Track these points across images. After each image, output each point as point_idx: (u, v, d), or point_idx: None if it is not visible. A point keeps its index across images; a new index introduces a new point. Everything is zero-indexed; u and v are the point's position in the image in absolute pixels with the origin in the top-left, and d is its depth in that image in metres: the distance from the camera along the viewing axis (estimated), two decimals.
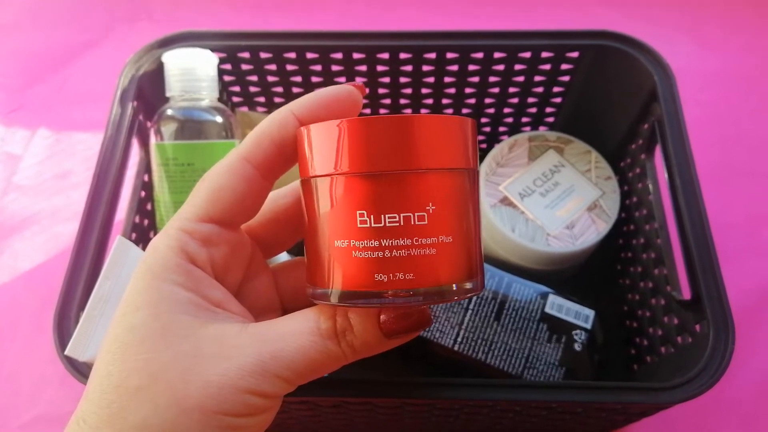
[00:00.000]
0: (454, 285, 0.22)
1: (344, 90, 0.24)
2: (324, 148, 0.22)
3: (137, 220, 0.42)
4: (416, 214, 0.21)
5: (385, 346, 0.23)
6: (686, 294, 0.37)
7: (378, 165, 0.21)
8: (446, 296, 0.22)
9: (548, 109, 0.52)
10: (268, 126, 0.24)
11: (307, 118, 0.24)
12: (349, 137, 0.22)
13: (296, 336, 0.22)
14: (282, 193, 0.27)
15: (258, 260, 0.27)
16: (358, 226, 0.21)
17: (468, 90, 0.49)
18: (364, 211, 0.21)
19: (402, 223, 0.21)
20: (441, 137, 0.22)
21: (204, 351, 0.21)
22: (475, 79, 0.48)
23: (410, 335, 0.23)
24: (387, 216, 0.21)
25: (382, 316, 0.23)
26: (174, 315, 0.22)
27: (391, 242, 0.21)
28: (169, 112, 0.41)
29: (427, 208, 0.22)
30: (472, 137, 0.24)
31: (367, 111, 0.52)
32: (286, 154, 0.24)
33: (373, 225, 0.21)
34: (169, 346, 0.21)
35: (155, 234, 0.44)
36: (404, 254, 0.21)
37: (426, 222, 0.21)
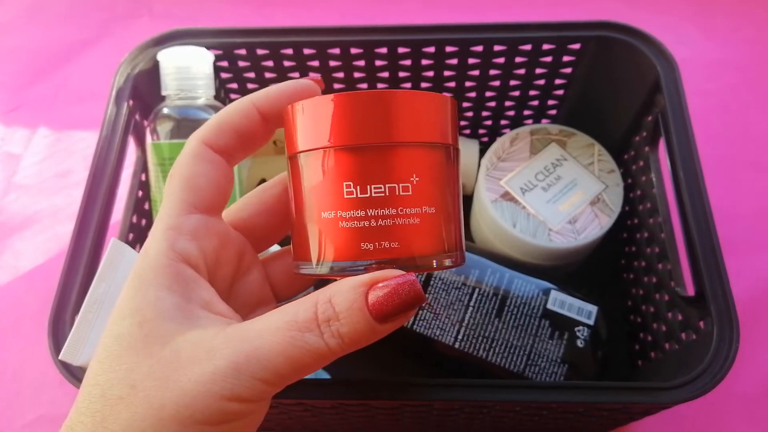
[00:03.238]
0: (435, 255, 0.23)
1: (305, 84, 0.25)
2: (311, 123, 0.23)
3: (134, 220, 0.42)
4: (401, 184, 0.22)
5: (375, 334, 0.21)
6: (690, 290, 0.36)
7: (364, 138, 0.22)
8: (427, 266, 0.23)
9: (550, 102, 0.52)
10: (230, 115, 0.24)
11: (267, 110, 0.24)
12: (336, 111, 0.22)
13: (272, 332, 0.21)
14: (270, 184, 0.28)
15: (249, 256, 0.27)
16: (345, 196, 0.22)
17: (468, 83, 0.49)
18: (350, 182, 0.22)
19: (387, 194, 0.22)
20: (425, 112, 0.23)
21: (181, 357, 0.21)
22: (476, 72, 0.47)
23: (401, 317, 0.21)
24: (373, 186, 0.22)
25: (370, 296, 0.21)
26: (157, 322, 0.21)
27: (377, 212, 0.22)
28: (165, 111, 0.41)
29: (412, 179, 0.22)
30: (453, 115, 0.24)
31: None
32: (247, 143, 0.25)
33: (359, 195, 0.22)
34: (150, 354, 0.21)
35: None
36: (389, 223, 0.22)
37: (410, 193, 0.22)
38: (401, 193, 0.22)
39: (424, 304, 0.40)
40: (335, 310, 0.21)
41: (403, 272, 0.21)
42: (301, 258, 0.24)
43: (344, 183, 0.22)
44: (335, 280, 0.22)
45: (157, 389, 0.20)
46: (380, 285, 0.21)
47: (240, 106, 0.24)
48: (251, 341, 0.21)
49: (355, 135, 0.22)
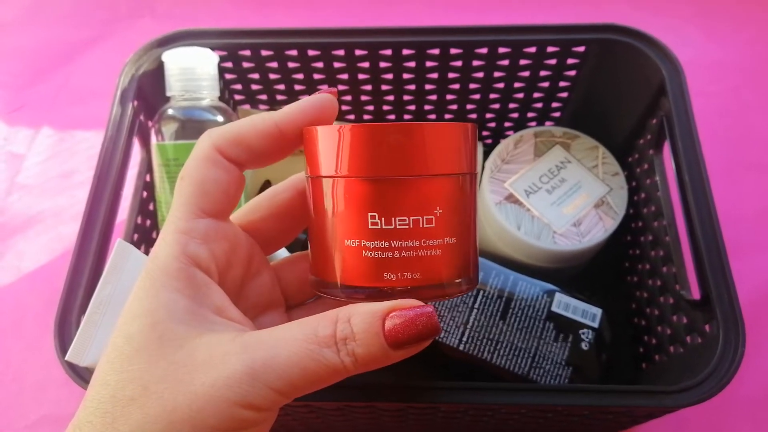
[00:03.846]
0: (453, 281, 0.24)
1: (326, 99, 0.25)
2: (337, 150, 0.23)
3: (139, 220, 0.42)
4: (425, 217, 0.23)
5: (389, 359, 0.21)
6: (695, 293, 0.36)
7: (390, 170, 0.22)
8: (445, 292, 0.24)
9: (554, 104, 0.52)
10: (248, 132, 0.24)
11: (289, 129, 0.24)
12: (362, 142, 0.23)
13: (291, 343, 0.21)
14: (281, 188, 0.27)
15: (259, 258, 0.27)
16: (369, 227, 0.23)
17: (472, 85, 0.49)
18: (375, 214, 0.22)
19: (411, 226, 0.23)
20: (448, 144, 0.23)
21: (196, 361, 0.21)
22: (480, 74, 0.47)
23: (416, 346, 0.22)
24: (397, 219, 0.22)
25: (387, 322, 0.21)
26: (171, 324, 0.21)
27: (401, 243, 0.22)
28: (170, 111, 0.41)
29: (435, 211, 0.23)
30: (473, 142, 0.25)
31: (370, 108, 0.52)
32: (260, 160, 0.25)
33: (383, 227, 0.22)
34: (163, 356, 0.21)
35: (157, 235, 0.44)
36: (412, 255, 0.23)
37: (434, 225, 0.23)
38: (425, 225, 0.23)
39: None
40: (353, 330, 0.21)
41: (422, 303, 0.22)
42: (321, 278, 0.25)
43: (369, 214, 0.23)
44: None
45: (170, 392, 0.20)
46: (398, 313, 0.21)
47: (261, 125, 0.24)
48: (268, 349, 0.21)
49: (382, 167, 0.22)
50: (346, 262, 0.23)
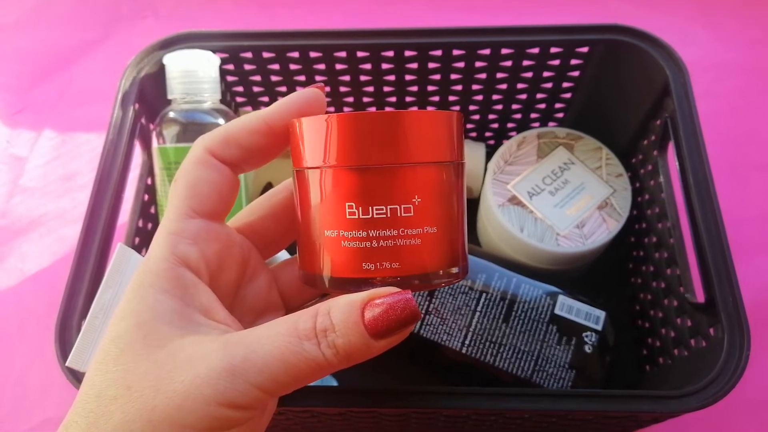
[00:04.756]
0: (438, 271, 0.23)
1: (312, 93, 0.25)
2: (316, 140, 0.23)
3: (140, 224, 0.42)
4: (403, 206, 0.22)
5: (370, 350, 0.21)
6: (700, 295, 0.36)
7: (367, 159, 0.22)
8: (430, 282, 0.23)
9: (557, 105, 0.51)
10: (237, 130, 0.25)
11: (278, 124, 0.24)
12: (340, 131, 0.22)
13: (272, 337, 0.21)
14: (278, 189, 0.28)
15: (255, 261, 0.27)
16: (347, 217, 0.22)
17: (475, 87, 0.48)
18: (352, 203, 0.22)
19: (389, 215, 0.22)
20: (428, 132, 0.23)
21: (177, 360, 0.21)
22: (482, 75, 0.47)
23: (398, 334, 0.21)
24: (375, 208, 0.22)
25: (366, 312, 0.21)
26: (156, 325, 0.21)
27: (378, 233, 0.22)
28: (171, 114, 0.41)
29: (414, 200, 0.23)
30: (458, 130, 0.24)
31: (372, 110, 0.52)
32: (254, 158, 0.25)
33: (361, 216, 0.22)
34: (146, 356, 0.21)
35: None
36: (390, 244, 0.22)
37: (412, 214, 0.23)
38: (403, 215, 0.22)
39: (429, 316, 0.40)
40: (332, 321, 0.21)
41: (399, 290, 0.21)
42: (306, 270, 0.25)
43: (346, 203, 0.22)
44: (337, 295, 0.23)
45: (151, 390, 0.20)
46: (377, 301, 0.21)
47: (250, 122, 0.24)
48: (249, 344, 0.21)
49: (360, 156, 0.22)
50: (327, 253, 0.23)
